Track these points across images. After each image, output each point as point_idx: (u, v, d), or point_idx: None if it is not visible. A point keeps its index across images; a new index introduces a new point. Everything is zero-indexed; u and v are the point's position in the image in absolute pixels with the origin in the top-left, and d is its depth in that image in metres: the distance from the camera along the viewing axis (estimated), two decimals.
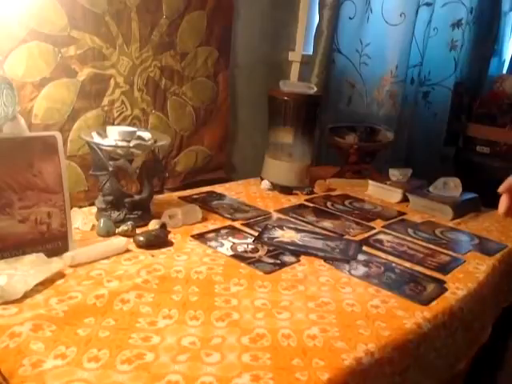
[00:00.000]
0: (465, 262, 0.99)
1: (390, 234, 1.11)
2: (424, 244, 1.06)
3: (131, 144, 0.95)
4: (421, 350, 0.73)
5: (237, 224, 1.08)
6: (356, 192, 1.42)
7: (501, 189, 0.81)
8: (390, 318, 0.73)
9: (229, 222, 1.08)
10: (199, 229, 1.02)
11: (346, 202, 1.32)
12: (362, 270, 0.91)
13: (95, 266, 0.81)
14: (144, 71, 1.20)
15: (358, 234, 1.09)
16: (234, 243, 0.97)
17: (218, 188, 1.32)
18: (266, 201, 1.26)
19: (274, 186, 1.35)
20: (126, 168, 1.00)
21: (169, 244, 0.93)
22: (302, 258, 0.92)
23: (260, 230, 1.05)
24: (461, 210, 1.27)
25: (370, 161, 1.55)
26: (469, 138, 1.91)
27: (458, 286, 0.88)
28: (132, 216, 0.99)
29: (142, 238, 0.90)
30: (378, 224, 1.17)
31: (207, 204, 1.18)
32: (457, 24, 1.72)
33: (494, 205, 1.33)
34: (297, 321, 0.70)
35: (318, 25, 1.59)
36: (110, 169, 0.95)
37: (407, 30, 1.64)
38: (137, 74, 1.19)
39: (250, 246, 0.96)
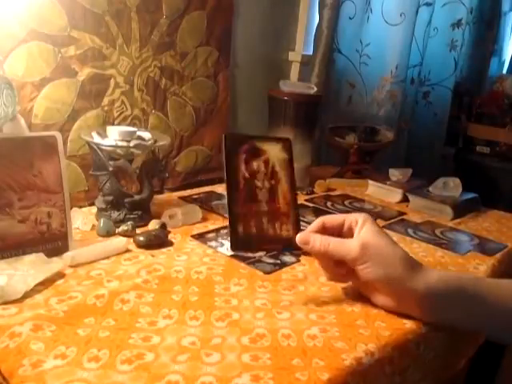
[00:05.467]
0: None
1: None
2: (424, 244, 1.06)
3: (131, 144, 0.95)
4: (420, 349, 0.72)
5: None
6: (356, 192, 1.42)
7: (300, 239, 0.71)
8: (390, 317, 0.73)
9: None
10: (199, 229, 1.02)
11: (346, 202, 1.32)
12: None
13: (95, 266, 0.81)
14: (144, 71, 1.20)
15: None
16: None
17: (217, 188, 1.32)
18: None
19: None
20: (126, 168, 1.00)
21: (169, 244, 0.93)
22: (302, 258, 0.92)
23: None
24: (461, 210, 1.27)
25: (369, 161, 1.55)
26: (469, 138, 1.92)
27: None
28: (132, 216, 0.99)
29: (142, 238, 0.90)
30: (378, 224, 1.17)
31: (207, 204, 1.18)
32: (457, 24, 1.73)
33: (493, 205, 1.35)
34: (297, 321, 0.70)
35: (317, 25, 1.59)
36: (110, 169, 0.95)
37: (407, 30, 1.64)
38: (137, 74, 1.19)
39: None
